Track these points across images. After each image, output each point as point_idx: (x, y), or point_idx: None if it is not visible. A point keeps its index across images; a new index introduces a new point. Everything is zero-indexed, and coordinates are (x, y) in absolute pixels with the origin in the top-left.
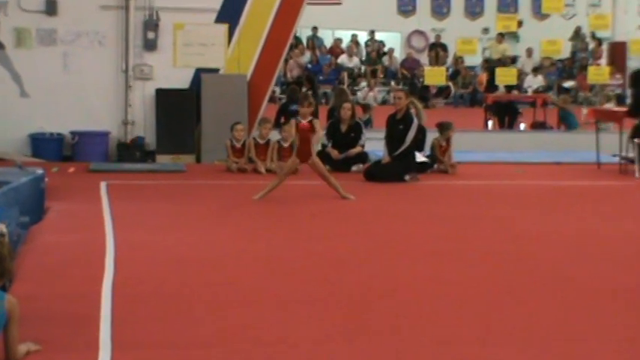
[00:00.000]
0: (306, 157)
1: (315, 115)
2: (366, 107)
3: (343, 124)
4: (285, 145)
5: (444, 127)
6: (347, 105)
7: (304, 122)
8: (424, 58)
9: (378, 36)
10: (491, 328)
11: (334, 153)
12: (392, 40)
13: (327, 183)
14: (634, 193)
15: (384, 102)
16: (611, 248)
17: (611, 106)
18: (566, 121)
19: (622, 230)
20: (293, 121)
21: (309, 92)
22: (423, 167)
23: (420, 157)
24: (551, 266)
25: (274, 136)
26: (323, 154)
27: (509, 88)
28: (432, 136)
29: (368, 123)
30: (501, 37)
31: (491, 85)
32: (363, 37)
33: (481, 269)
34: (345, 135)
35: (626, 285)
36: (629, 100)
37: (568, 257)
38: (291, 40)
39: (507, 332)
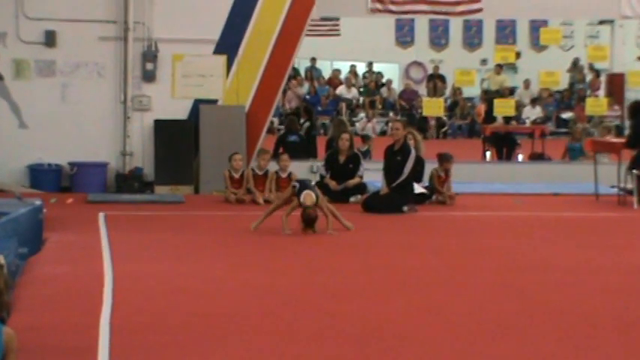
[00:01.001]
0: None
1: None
2: (365, 138)
3: (341, 155)
4: (284, 175)
5: (443, 159)
6: (345, 136)
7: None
8: (422, 89)
9: (377, 67)
10: (490, 356)
11: (332, 184)
12: (390, 71)
13: (334, 218)
14: (632, 225)
15: (382, 133)
16: (609, 280)
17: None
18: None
19: (620, 262)
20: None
21: (307, 124)
22: (421, 198)
23: (418, 189)
24: (548, 298)
25: (272, 166)
26: (321, 185)
27: (507, 120)
28: (431, 166)
29: (367, 154)
30: (500, 68)
31: (490, 116)
32: (361, 68)
33: (479, 300)
34: (344, 166)
35: (625, 318)
36: (627, 132)
37: (565, 289)
38: (289, 71)
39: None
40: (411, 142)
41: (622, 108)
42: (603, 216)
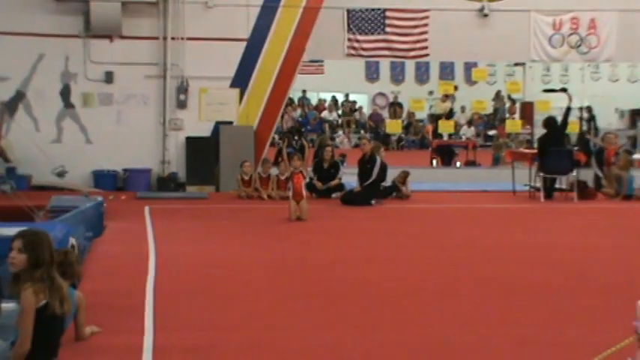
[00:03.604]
0: (301, 197)
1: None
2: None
3: (325, 163)
4: (282, 178)
5: (403, 174)
6: (328, 148)
7: (297, 173)
8: (385, 113)
9: (352, 97)
10: (434, 312)
11: (318, 185)
12: (361, 99)
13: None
14: (540, 213)
15: (356, 146)
16: (522, 254)
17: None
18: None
19: (531, 240)
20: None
21: (300, 142)
22: (386, 193)
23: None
24: (476, 268)
25: (274, 171)
26: (310, 185)
27: (449, 136)
28: (392, 171)
29: (343, 162)
30: (446, 97)
31: (436, 134)
32: (340, 97)
33: (424, 271)
34: (327, 171)
35: (533, 282)
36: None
37: (489, 262)
38: (286, 100)
39: (445, 314)
40: (381, 153)
41: (532, 127)
42: (519, 207)
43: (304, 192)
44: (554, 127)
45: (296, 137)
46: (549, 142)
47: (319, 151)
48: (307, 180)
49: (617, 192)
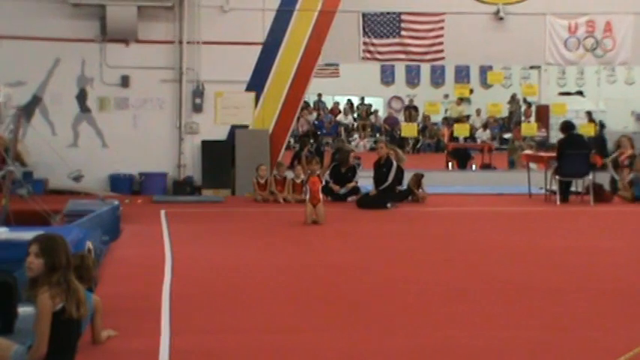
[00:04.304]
0: (318, 200)
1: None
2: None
3: (342, 167)
4: (297, 181)
5: (415, 178)
6: (352, 154)
7: (314, 177)
8: (401, 117)
9: (367, 100)
10: (447, 315)
11: (335, 188)
12: (377, 103)
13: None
14: (555, 216)
15: (371, 149)
16: (538, 257)
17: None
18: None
19: (547, 243)
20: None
21: (315, 145)
22: (402, 196)
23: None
24: (492, 270)
25: (289, 174)
26: (326, 189)
27: (464, 139)
28: (408, 174)
29: (358, 166)
30: (460, 100)
31: (451, 137)
32: (355, 101)
33: (439, 272)
34: (344, 175)
35: (549, 285)
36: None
37: (505, 263)
38: (301, 103)
39: (458, 317)
40: (392, 156)
41: (547, 130)
42: (534, 210)
43: (321, 195)
44: (573, 131)
45: (311, 141)
46: (568, 145)
47: (336, 155)
48: (323, 183)
49: (634, 195)
